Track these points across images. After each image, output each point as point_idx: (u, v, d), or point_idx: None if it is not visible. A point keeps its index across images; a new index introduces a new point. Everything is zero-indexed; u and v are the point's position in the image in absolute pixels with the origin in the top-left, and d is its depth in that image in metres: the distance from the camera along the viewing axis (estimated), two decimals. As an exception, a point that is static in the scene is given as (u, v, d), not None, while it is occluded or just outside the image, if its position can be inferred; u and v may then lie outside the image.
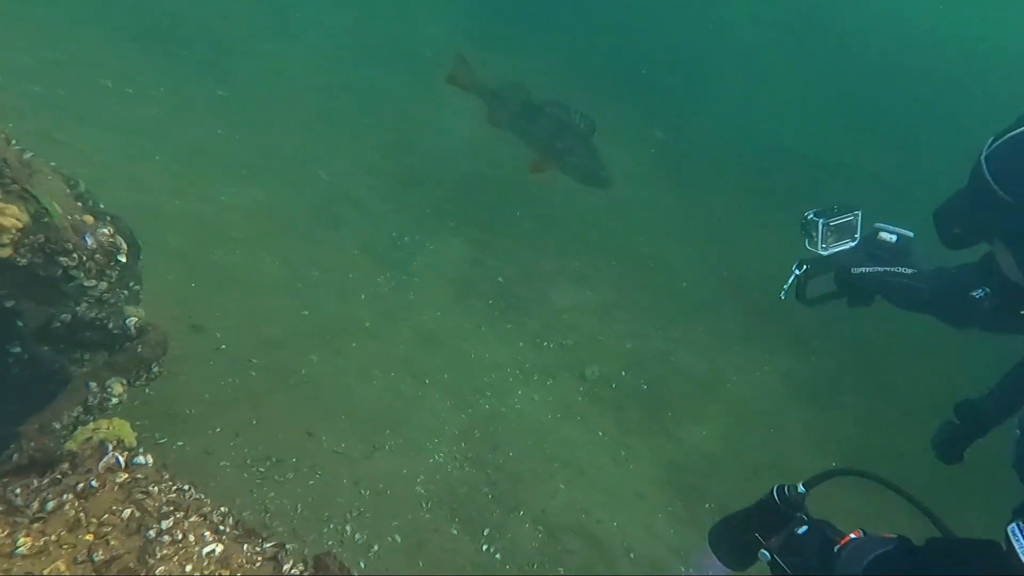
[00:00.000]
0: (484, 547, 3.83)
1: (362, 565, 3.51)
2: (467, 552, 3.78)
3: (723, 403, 5.55)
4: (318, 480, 3.84)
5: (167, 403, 3.85)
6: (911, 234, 1.82)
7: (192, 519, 1.59)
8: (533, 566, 3.79)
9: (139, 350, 2.39)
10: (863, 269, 1.68)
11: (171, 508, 1.59)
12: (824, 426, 5.49)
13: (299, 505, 3.66)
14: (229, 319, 4.56)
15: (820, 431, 5.44)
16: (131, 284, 2.71)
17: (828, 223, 1.77)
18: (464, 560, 3.73)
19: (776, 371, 6.00)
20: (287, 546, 1.79)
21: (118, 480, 1.65)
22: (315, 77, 8.50)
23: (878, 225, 1.91)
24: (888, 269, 1.66)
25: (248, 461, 3.77)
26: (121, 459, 1.70)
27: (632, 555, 4.03)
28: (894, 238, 1.82)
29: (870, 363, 5.84)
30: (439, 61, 10.15)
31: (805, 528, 1.48)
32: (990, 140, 1.55)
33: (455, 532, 3.87)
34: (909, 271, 1.69)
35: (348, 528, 3.63)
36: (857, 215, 1.80)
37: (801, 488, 1.49)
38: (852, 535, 1.44)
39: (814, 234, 1.77)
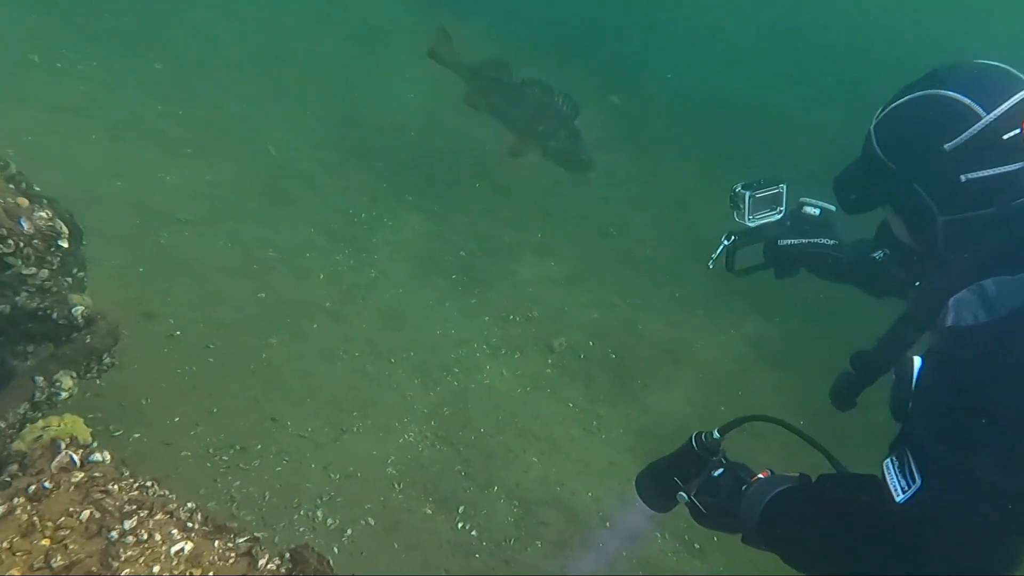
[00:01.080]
0: (459, 524, 3.81)
1: (336, 550, 3.45)
2: (443, 531, 3.75)
3: (690, 368, 5.61)
4: (285, 466, 3.76)
5: (121, 395, 3.70)
6: (833, 208, 1.91)
7: (157, 517, 1.50)
8: (510, 541, 3.79)
9: (88, 340, 2.25)
10: (788, 241, 1.77)
11: (134, 507, 1.50)
12: (790, 386, 5.60)
13: (267, 493, 3.57)
14: (182, 304, 4.39)
15: (787, 391, 5.55)
16: (75, 271, 2.56)
17: (754, 195, 1.85)
18: (440, 539, 3.71)
19: (741, 334, 6.09)
20: (260, 535, 1.72)
21: (74, 480, 1.55)
22: (256, 48, 8.16)
23: (803, 199, 2.00)
24: (811, 241, 1.76)
25: (211, 450, 3.66)
26: (76, 457, 1.60)
27: (608, 524, 4.06)
28: (818, 212, 1.92)
29: (833, 322, 5.96)
30: (386, 29, 9.90)
31: (720, 470, 1.60)
32: (880, 110, 1.65)
33: (429, 511, 3.84)
34: (831, 242, 1.79)
35: (319, 514, 3.57)
36: (782, 188, 1.88)
37: (716, 434, 1.61)
38: (760, 475, 1.55)
39: (741, 206, 1.84)
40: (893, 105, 1.59)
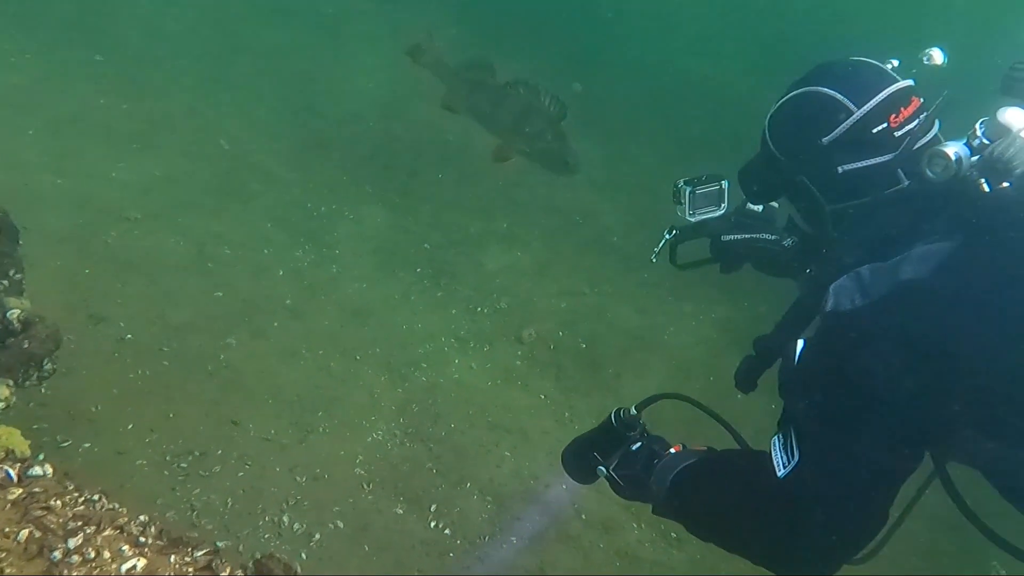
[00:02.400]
0: (432, 523, 3.75)
1: (303, 556, 3.36)
2: (415, 530, 3.68)
3: (661, 355, 5.61)
4: (248, 471, 3.64)
5: (69, 402, 3.54)
6: (775, 205, 2.00)
7: (106, 533, 1.41)
8: (485, 538, 3.73)
9: (26, 346, 2.12)
10: (732, 236, 1.83)
11: (79, 523, 1.40)
12: (759, 370, 5.64)
13: (229, 500, 3.46)
14: (132, 306, 4.22)
15: (756, 375, 5.58)
16: (11, 272, 2.41)
17: (695, 191, 1.92)
18: (412, 539, 3.64)
19: (710, 320, 6.11)
20: (221, 544, 1.63)
21: (10, 497, 1.44)
22: (205, 37, 7.90)
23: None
24: (753, 236, 1.83)
25: (167, 458, 3.53)
26: (12, 473, 1.49)
27: (584, 516, 4.04)
28: (760, 208, 2.00)
29: (799, 305, 6.02)
30: (342, 17, 9.68)
31: (638, 444, 1.70)
32: (773, 105, 1.76)
33: (400, 511, 3.77)
34: (771, 237, 1.86)
35: (285, 519, 3.47)
36: (724, 185, 1.95)
37: (633, 410, 1.73)
38: (673, 449, 1.67)
39: (682, 201, 1.91)
40: (781, 101, 1.70)
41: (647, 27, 10.63)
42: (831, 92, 1.55)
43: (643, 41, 10.36)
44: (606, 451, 1.71)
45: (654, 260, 2.04)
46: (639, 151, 8.45)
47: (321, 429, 4.04)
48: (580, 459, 1.77)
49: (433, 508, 3.83)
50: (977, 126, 1.39)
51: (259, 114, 6.96)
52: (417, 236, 6.11)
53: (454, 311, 5.42)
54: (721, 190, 1.94)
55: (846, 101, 1.53)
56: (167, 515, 3.19)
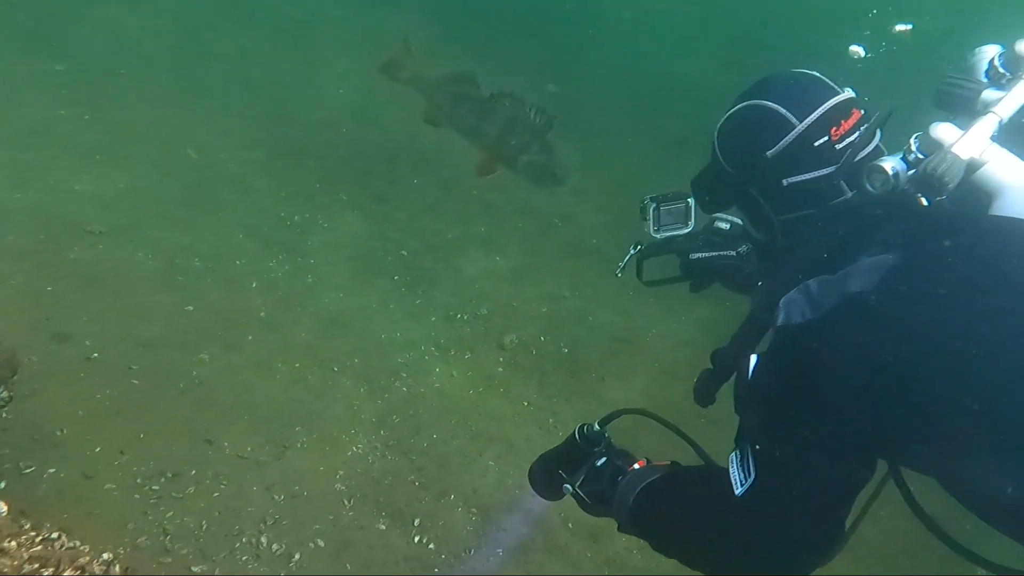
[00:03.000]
0: (416, 538, 3.67)
1: (284, 577, 3.26)
2: (398, 546, 3.60)
3: (645, 358, 5.58)
4: (223, 491, 3.54)
5: (32, 426, 3.42)
6: (740, 221, 2.02)
7: (67, 574, 1.32)
8: (470, 551, 3.66)
9: (-20, 372, 2.01)
10: (700, 255, 1.85)
11: (36, 566, 1.31)
12: (743, 369, 5.63)
13: (204, 522, 3.35)
14: (99, 323, 4.10)
15: (739, 375, 5.57)
16: (-37, 294, 2.29)
17: (660, 208, 1.93)
18: (396, 555, 3.56)
19: (693, 320, 6.09)
20: (197, 570, 1.54)
21: (-40, 539, 1.34)
22: (171, 44, 7.75)
23: (715, 215, 2.11)
24: (720, 253, 1.84)
25: (138, 480, 3.41)
26: (-38, 512, 1.39)
27: (570, 525, 3.98)
28: (728, 226, 2.02)
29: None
30: (311, 22, 9.57)
31: (603, 460, 1.69)
32: (723, 116, 1.79)
33: (383, 527, 3.68)
34: (734, 253, 1.89)
35: (263, 539, 3.37)
36: (691, 202, 1.96)
37: (596, 426, 1.72)
38: (637, 464, 1.67)
39: (647, 218, 1.92)
40: (727, 114, 1.72)
41: (622, 25, 10.64)
42: (773, 106, 1.58)
43: (618, 40, 10.36)
44: (572, 467, 1.71)
45: (619, 275, 2.05)
46: (617, 152, 8.43)
47: (299, 444, 3.94)
48: (546, 476, 1.76)
49: (416, 522, 3.75)
50: (912, 140, 1.40)
51: (228, 122, 6.83)
52: (394, 243, 6.02)
53: (433, 318, 5.34)
54: (688, 207, 1.95)
55: (788, 115, 1.56)
56: (138, 540, 3.07)
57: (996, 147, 1.32)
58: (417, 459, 4.14)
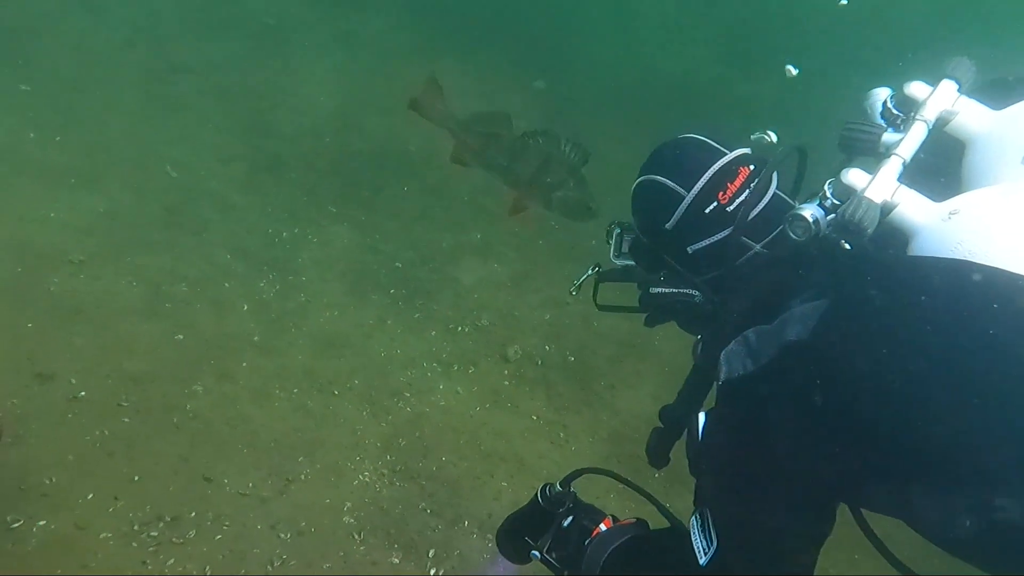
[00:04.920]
0: (432, 571, 3.56)
1: (296, 622, 3.14)
2: (414, 580, 3.49)
3: (653, 362, 5.49)
4: (226, 532, 3.41)
5: (18, 476, 3.28)
6: None
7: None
8: (490, 582, 3.55)
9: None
10: (660, 290, 1.80)
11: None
12: (754, 369, 5.55)
13: (208, 567, 3.24)
14: (84, 359, 3.95)
15: (752, 374, 5.49)
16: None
17: (623, 235, 1.91)
18: (413, 590, 3.44)
19: (699, 319, 6.01)
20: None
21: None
22: (141, 57, 7.54)
23: None
24: (680, 291, 1.79)
25: (136, 527, 3.28)
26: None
27: None
28: None
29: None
30: (286, 28, 9.38)
31: (569, 520, 1.70)
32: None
33: (396, 560, 3.57)
34: (696, 293, 1.84)
35: (272, 582, 3.24)
36: None
37: (559, 487, 1.73)
38: (603, 525, 1.66)
39: (610, 242, 1.90)
40: (632, 187, 1.76)
41: (608, 21, 10.54)
42: (662, 180, 1.63)
43: (605, 34, 10.26)
44: (537, 530, 1.71)
45: (573, 293, 2.04)
46: (609, 148, 8.32)
47: (303, 476, 3.82)
48: (513, 542, 1.76)
49: (431, 553, 3.64)
50: (826, 187, 1.44)
51: (206, 136, 6.66)
52: (387, 255, 5.89)
53: (433, 332, 5.22)
54: None
55: (676, 187, 1.60)
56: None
57: (904, 188, 1.35)
58: (427, 484, 4.02)
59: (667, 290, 1.75)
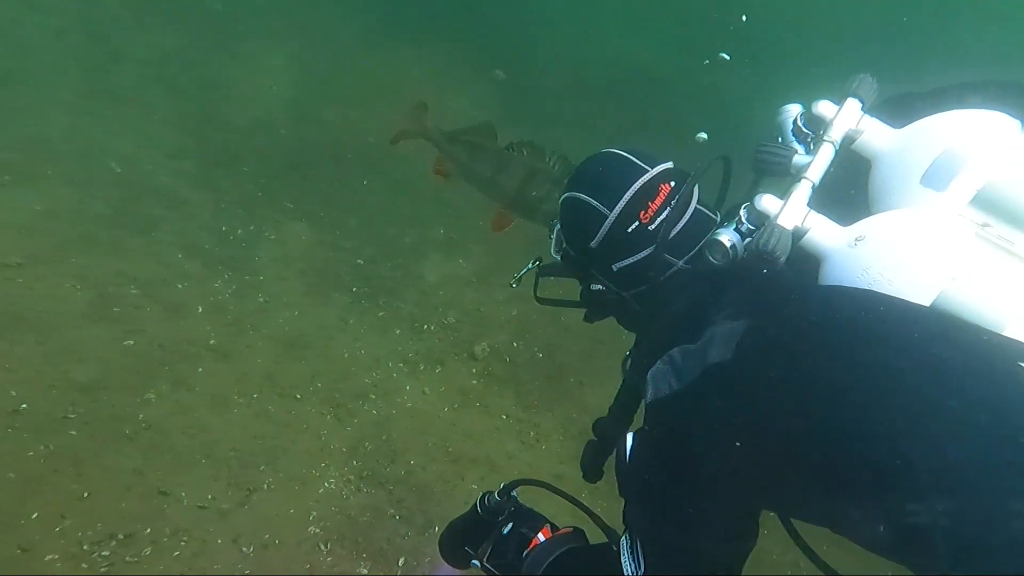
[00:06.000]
0: (403, 579, 3.47)
1: (262, 640, 3.03)
2: (385, 590, 3.40)
3: (623, 357, 5.47)
4: (185, 548, 3.27)
5: (-45, 497, 3.07)
6: None
7: None
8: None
9: None
10: (599, 286, 1.79)
11: None
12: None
13: (166, 587, 3.08)
14: (25, 369, 3.74)
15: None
16: None
17: (562, 230, 1.91)
18: (383, 601, 3.36)
19: (667, 312, 6.02)
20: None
21: None
22: (79, 46, 7.21)
23: None
24: (616, 288, 1.80)
25: (85, 547, 3.12)
26: None
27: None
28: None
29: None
30: (235, 15, 9.10)
31: (509, 527, 1.70)
32: None
33: (365, 571, 3.49)
34: (635, 292, 1.87)
35: (236, 601, 3.12)
36: None
37: (497, 496, 1.71)
38: (542, 535, 1.66)
39: (551, 237, 1.89)
40: (560, 201, 1.76)
41: (571, 9, 10.48)
42: (586, 198, 1.64)
43: (567, 23, 10.20)
44: (478, 538, 1.72)
45: (513, 286, 2.03)
46: (573, 139, 8.29)
47: (265, 486, 3.69)
48: (455, 550, 1.76)
49: (401, 562, 3.56)
50: (742, 212, 1.47)
51: (152, 129, 6.41)
52: (348, 252, 5.75)
53: (398, 331, 5.11)
54: None
55: (599, 206, 1.61)
56: (93, 618, 2.80)
57: (813, 214, 1.39)
58: (395, 490, 3.93)
59: (605, 287, 1.77)
